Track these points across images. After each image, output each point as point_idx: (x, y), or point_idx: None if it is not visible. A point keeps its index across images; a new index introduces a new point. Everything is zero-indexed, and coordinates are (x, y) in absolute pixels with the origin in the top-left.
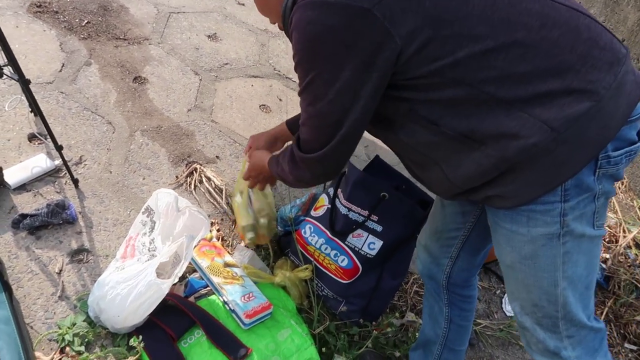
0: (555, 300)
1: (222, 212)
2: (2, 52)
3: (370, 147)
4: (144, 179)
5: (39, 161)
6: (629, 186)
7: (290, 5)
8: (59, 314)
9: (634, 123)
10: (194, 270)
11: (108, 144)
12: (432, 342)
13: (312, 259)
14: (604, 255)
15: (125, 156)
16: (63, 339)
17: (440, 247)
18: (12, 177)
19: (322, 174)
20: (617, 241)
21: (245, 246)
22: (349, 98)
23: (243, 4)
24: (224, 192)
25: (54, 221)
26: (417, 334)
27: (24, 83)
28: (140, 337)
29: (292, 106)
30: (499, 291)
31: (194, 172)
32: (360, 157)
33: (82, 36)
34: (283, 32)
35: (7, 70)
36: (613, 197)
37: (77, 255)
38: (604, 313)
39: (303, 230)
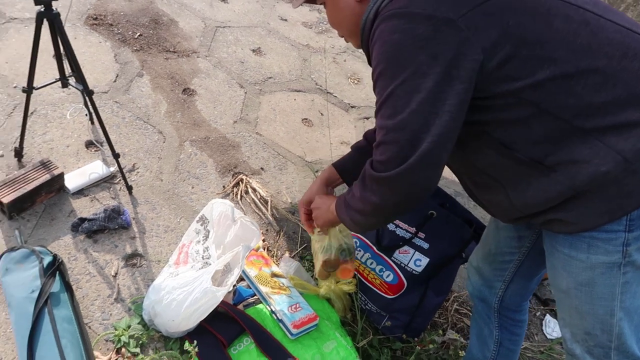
0: (610, 330)
1: (267, 223)
2: (67, 62)
3: None
4: (192, 187)
5: (96, 167)
6: None
7: (372, 17)
8: (114, 316)
9: None
10: (242, 279)
11: (159, 152)
12: None
13: (357, 273)
14: None
15: (175, 165)
16: (119, 340)
17: (494, 270)
18: (71, 182)
19: (394, 201)
20: None
21: (292, 258)
22: (432, 110)
23: (286, 20)
24: (269, 203)
25: (110, 226)
26: (458, 351)
27: (88, 93)
28: (195, 342)
29: (333, 120)
30: (538, 313)
31: (240, 182)
32: None
33: (134, 48)
34: (324, 48)
35: (72, 80)
36: None
37: (131, 259)
38: None
39: None
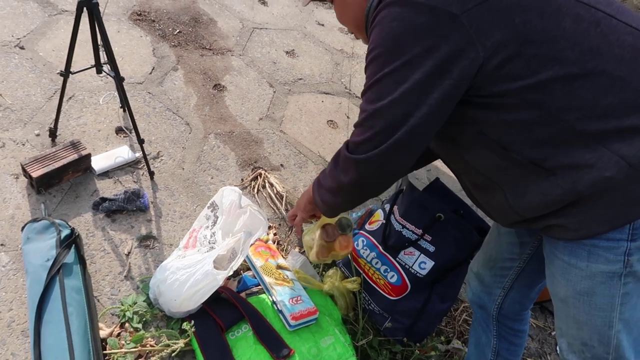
0: (608, 342)
1: (281, 218)
2: (104, 52)
3: (433, 171)
4: (212, 178)
5: (122, 152)
6: None
7: (376, 4)
8: (123, 292)
9: None
10: (248, 269)
11: (184, 143)
12: None
13: (362, 272)
14: None
15: (197, 155)
16: (124, 315)
17: (493, 277)
18: (98, 163)
19: (362, 182)
20: None
21: (301, 253)
22: (414, 102)
23: (322, 25)
24: (284, 198)
25: (128, 207)
26: None
27: (119, 80)
28: (192, 322)
29: None
30: (554, 332)
31: (259, 177)
32: (421, 180)
33: (172, 44)
34: (357, 54)
35: (106, 67)
36: None
37: (145, 240)
38: None
39: (356, 243)
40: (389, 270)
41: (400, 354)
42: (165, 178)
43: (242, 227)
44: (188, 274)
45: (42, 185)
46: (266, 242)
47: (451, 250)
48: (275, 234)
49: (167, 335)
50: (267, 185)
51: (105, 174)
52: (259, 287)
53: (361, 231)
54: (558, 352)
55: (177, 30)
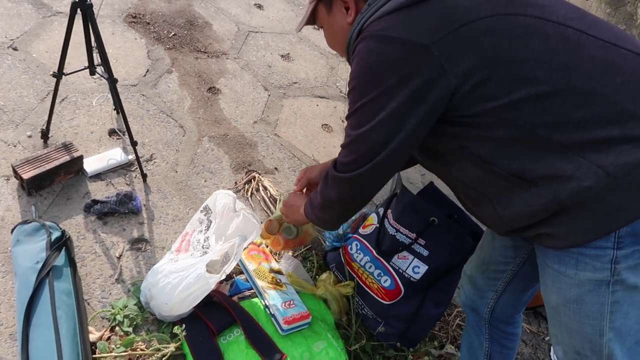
0: (600, 351)
1: None
2: (97, 54)
3: (427, 175)
4: (205, 181)
5: (115, 154)
6: None
7: (355, 36)
8: (114, 295)
9: None
10: (241, 272)
11: (177, 145)
12: None
13: (355, 276)
14: None
15: (191, 158)
16: (114, 319)
17: (486, 280)
18: (90, 165)
19: (349, 197)
20: None
21: (293, 257)
22: (392, 128)
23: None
24: (278, 202)
25: (120, 210)
26: None
27: (112, 82)
28: (184, 326)
29: None
30: (547, 338)
31: (252, 180)
32: (415, 184)
33: (167, 46)
34: None
35: (100, 69)
36: None
37: (137, 243)
38: None
39: (350, 247)
40: (382, 274)
41: (394, 359)
42: (158, 181)
43: (235, 231)
44: (180, 277)
45: (33, 187)
46: (259, 245)
47: (445, 254)
48: None
49: (157, 339)
50: (260, 188)
51: (98, 176)
52: (252, 290)
53: (355, 235)
54: (552, 358)
55: (172, 33)
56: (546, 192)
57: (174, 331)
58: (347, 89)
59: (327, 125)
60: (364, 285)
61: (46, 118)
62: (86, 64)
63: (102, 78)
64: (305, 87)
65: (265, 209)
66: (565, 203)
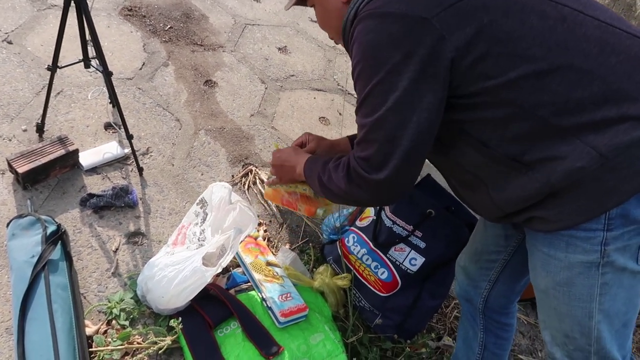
0: (589, 333)
1: (271, 215)
2: (92, 46)
3: (425, 167)
4: (202, 174)
5: (111, 148)
6: None
7: (352, 18)
8: (110, 289)
9: None
10: (238, 265)
11: (174, 139)
12: None
13: (352, 269)
14: None
15: (188, 152)
16: (111, 312)
17: (479, 270)
18: (86, 159)
19: (385, 199)
20: None
21: (290, 250)
22: (409, 108)
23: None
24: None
25: (117, 203)
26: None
27: (107, 75)
28: (180, 319)
29: (351, 121)
30: None
31: (249, 173)
32: None
33: (163, 39)
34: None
35: (94, 62)
36: None
37: (134, 237)
38: None
39: (347, 239)
40: (379, 266)
41: (391, 351)
42: (155, 174)
43: (231, 223)
44: (176, 270)
45: (28, 181)
46: (256, 238)
47: (442, 246)
48: (265, 231)
49: (154, 333)
50: (257, 181)
51: (94, 170)
52: (249, 283)
53: (352, 227)
54: None
55: (168, 26)
56: (541, 175)
57: (170, 324)
58: (353, 78)
59: (324, 118)
60: (361, 278)
61: (41, 112)
62: (81, 57)
63: (97, 71)
64: (302, 80)
65: (262, 202)
66: (557, 185)
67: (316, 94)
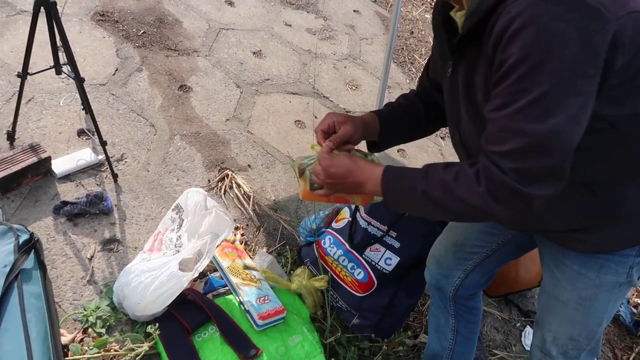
0: (593, 336)
1: (248, 218)
2: (63, 52)
3: None
4: (178, 180)
5: (84, 154)
6: None
7: None
8: (86, 297)
9: None
10: (215, 270)
11: (149, 144)
12: (439, 355)
13: (329, 270)
14: (635, 299)
15: (163, 157)
16: (87, 320)
17: (457, 260)
18: (59, 167)
19: (527, 213)
20: None
21: (267, 253)
22: (584, 117)
23: (290, 25)
24: (251, 198)
25: (91, 210)
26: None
27: (79, 81)
28: (157, 325)
29: None
30: (519, 324)
31: (226, 177)
32: None
33: (137, 44)
34: (325, 54)
35: (66, 68)
36: None
37: (109, 244)
38: (631, 359)
39: (323, 241)
40: (355, 267)
41: (369, 350)
42: (130, 180)
43: (208, 228)
44: (153, 276)
45: None
46: (233, 242)
47: (416, 245)
48: (242, 235)
49: (131, 339)
50: (234, 186)
51: (67, 177)
52: (226, 287)
53: (328, 229)
54: (522, 343)
55: (142, 31)
56: (607, 206)
57: (147, 330)
58: (506, 67)
59: (300, 121)
60: (337, 279)
61: (12, 119)
62: (52, 64)
63: (69, 77)
64: (277, 84)
65: (239, 206)
66: (619, 218)
67: (292, 97)
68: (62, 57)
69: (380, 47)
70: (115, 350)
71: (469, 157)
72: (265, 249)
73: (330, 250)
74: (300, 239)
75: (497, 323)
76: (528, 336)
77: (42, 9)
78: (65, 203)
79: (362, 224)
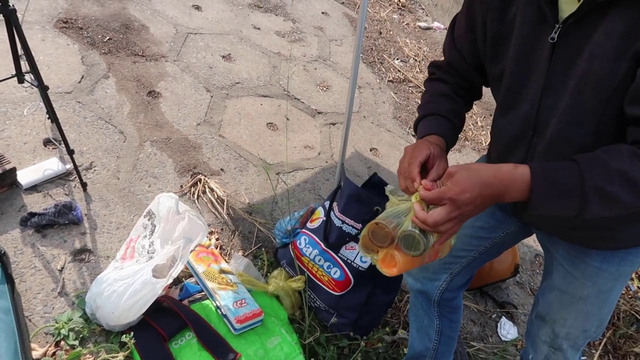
0: (603, 325)
1: (222, 222)
2: (25, 61)
3: (373, 168)
4: (149, 186)
5: (51, 164)
6: None
7: None
8: (57, 309)
9: None
10: (191, 275)
11: (118, 152)
12: (422, 356)
13: (305, 270)
14: None
15: (133, 164)
16: (59, 333)
17: (443, 264)
18: (25, 177)
19: None
20: None
21: (243, 256)
22: None
23: (259, 28)
24: (225, 202)
25: (60, 221)
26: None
27: (43, 89)
28: (132, 334)
29: (299, 125)
30: (494, 315)
31: (198, 182)
32: (362, 177)
33: (102, 51)
34: (295, 56)
35: (29, 77)
36: None
37: (80, 254)
38: (603, 344)
39: (298, 242)
40: (332, 266)
41: (348, 348)
42: (100, 189)
43: (181, 233)
44: (126, 284)
45: None
46: (208, 247)
47: None
48: (217, 239)
49: (106, 350)
50: (207, 190)
51: (34, 188)
52: (202, 293)
53: (303, 230)
54: (499, 333)
55: (107, 37)
56: None
57: (122, 340)
58: None
59: (272, 123)
60: (314, 279)
61: None
62: (14, 72)
63: (32, 86)
64: (248, 87)
65: (213, 210)
66: None
67: (263, 100)
68: (25, 66)
69: (350, 48)
70: None
71: (531, 147)
72: (241, 253)
73: (306, 251)
74: (275, 241)
75: (473, 315)
76: (504, 327)
77: (1, 16)
78: (32, 214)
79: (337, 222)
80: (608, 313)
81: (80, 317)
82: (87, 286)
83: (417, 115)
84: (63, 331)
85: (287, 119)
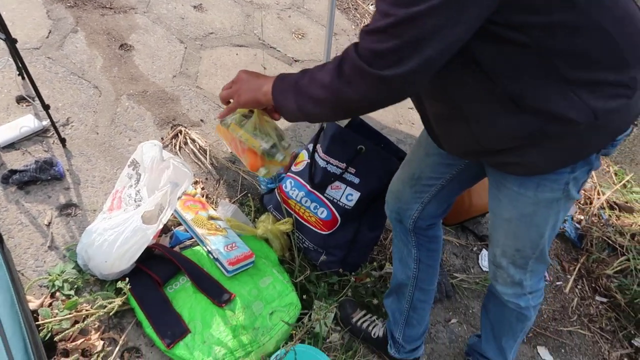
0: (537, 247)
1: (207, 172)
2: None
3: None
4: (130, 140)
5: (27, 121)
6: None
7: None
8: (48, 263)
9: None
10: (179, 224)
11: (94, 107)
12: (404, 284)
13: (293, 213)
14: (578, 216)
15: (111, 118)
16: (53, 285)
17: (414, 193)
18: (1, 136)
19: (373, 100)
20: (591, 203)
21: (231, 203)
22: (451, 14)
23: None
24: (208, 152)
25: (42, 177)
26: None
27: (11, 42)
28: (127, 280)
29: (276, 74)
30: (475, 248)
31: (179, 134)
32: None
33: (68, 4)
34: (268, 5)
35: None
36: None
37: (66, 209)
38: (577, 269)
39: (284, 185)
40: (318, 206)
41: (338, 284)
42: (79, 144)
43: (167, 181)
44: (116, 233)
45: None
46: (194, 196)
47: (375, 179)
48: (203, 189)
49: (102, 297)
50: (189, 141)
51: (11, 145)
52: (192, 240)
53: (288, 173)
54: (480, 264)
55: None
56: (535, 121)
57: (118, 286)
58: None
59: None
60: (302, 220)
61: None
62: None
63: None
64: (222, 37)
65: (196, 160)
66: (548, 135)
67: (238, 50)
68: None
69: None
70: (86, 310)
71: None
72: (227, 200)
73: (292, 193)
74: (261, 188)
75: (455, 249)
76: (484, 258)
77: None
78: (13, 172)
79: (322, 163)
80: (538, 236)
81: (73, 269)
82: (77, 239)
83: None
84: (57, 283)
85: (264, 68)
